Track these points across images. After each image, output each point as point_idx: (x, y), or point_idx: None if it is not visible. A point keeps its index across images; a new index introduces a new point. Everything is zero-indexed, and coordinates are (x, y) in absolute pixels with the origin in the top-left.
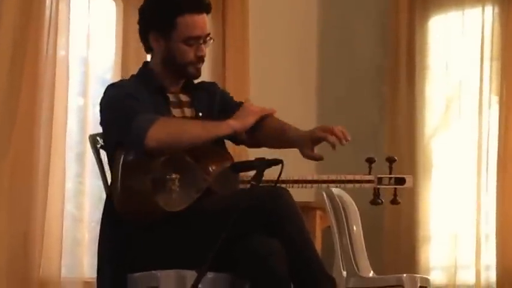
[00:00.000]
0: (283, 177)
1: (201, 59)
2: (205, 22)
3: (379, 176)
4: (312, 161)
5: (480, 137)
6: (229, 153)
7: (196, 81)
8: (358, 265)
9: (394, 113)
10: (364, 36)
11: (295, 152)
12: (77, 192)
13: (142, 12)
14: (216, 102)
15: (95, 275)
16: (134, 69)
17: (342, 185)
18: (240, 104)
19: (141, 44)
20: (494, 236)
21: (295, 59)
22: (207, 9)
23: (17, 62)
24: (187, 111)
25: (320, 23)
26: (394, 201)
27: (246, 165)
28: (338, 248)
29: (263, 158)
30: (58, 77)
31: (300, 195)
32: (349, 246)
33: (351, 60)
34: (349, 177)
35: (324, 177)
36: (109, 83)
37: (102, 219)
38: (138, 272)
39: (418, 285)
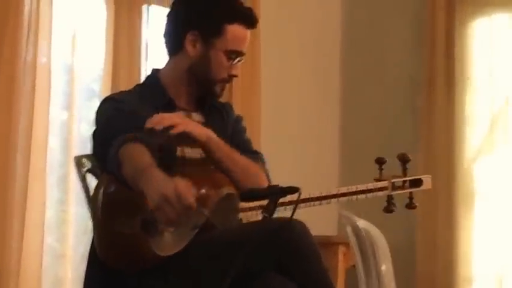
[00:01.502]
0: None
1: (231, 79)
2: (248, 40)
3: (394, 180)
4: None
5: None
6: (222, 174)
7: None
8: None
9: (430, 132)
10: (395, 40)
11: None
12: (59, 222)
13: (185, 6)
14: (228, 129)
15: None
16: (126, 79)
17: (356, 197)
18: (247, 143)
19: (134, 51)
20: None
21: (314, 67)
22: (253, 26)
23: None
24: None
25: (344, 24)
26: (410, 206)
27: (258, 194)
28: None
29: (277, 186)
30: (38, 87)
31: (320, 228)
32: None
33: (380, 68)
34: (361, 187)
35: (334, 191)
36: (96, 94)
37: (88, 258)
38: None
39: None
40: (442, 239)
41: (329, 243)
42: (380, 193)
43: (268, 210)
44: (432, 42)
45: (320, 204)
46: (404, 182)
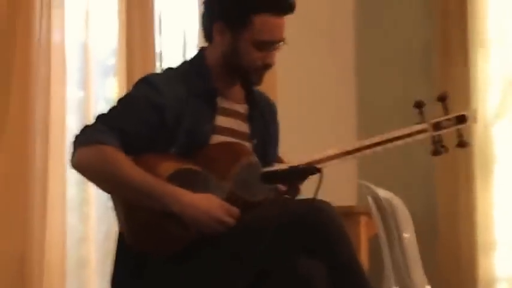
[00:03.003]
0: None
1: (268, 67)
2: (284, 26)
3: (434, 121)
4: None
5: None
6: (244, 144)
7: (256, 92)
8: (412, 279)
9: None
10: (409, 5)
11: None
12: (80, 202)
13: None
14: (271, 129)
15: None
16: (140, 54)
17: (394, 143)
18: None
19: (147, 24)
20: None
21: (328, 33)
22: (290, 10)
23: (4, 52)
24: (240, 125)
25: None
26: (462, 144)
27: (279, 176)
28: (388, 260)
29: (298, 167)
30: (54, 67)
31: (340, 198)
32: (402, 257)
33: (394, 34)
34: (397, 133)
35: (366, 142)
36: (112, 71)
37: (117, 245)
38: None
39: None
40: (462, 204)
41: (350, 213)
42: (420, 136)
43: (291, 191)
44: (445, 6)
45: (353, 157)
46: (448, 120)
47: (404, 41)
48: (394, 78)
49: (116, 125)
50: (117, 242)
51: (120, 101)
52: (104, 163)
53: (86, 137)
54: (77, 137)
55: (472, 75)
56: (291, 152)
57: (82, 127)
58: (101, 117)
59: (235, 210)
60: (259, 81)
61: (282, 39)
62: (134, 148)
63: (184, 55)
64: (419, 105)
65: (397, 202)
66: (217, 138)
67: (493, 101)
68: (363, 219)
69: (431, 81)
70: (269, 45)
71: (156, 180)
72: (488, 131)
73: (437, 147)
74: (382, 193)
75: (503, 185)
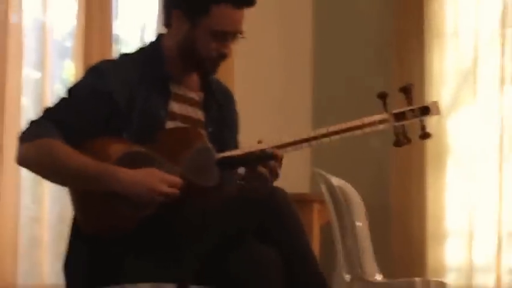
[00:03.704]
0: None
1: (223, 57)
2: (242, 18)
3: (396, 111)
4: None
5: (502, 117)
6: (199, 130)
7: (213, 80)
8: (364, 268)
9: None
10: None
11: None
12: (34, 183)
13: None
14: (228, 119)
15: (56, 280)
16: (98, 36)
17: (352, 133)
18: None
19: (107, 6)
20: None
21: (285, 21)
22: (250, 4)
23: None
24: (195, 112)
25: None
26: (424, 136)
27: (234, 161)
28: (340, 248)
29: (253, 152)
30: (10, 46)
31: (293, 185)
32: (354, 245)
33: (351, 26)
34: (356, 123)
35: (323, 131)
36: (69, 52)
37: (71, 231)
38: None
39: None
40: (414, 194)
41: (303, 201)
42: (381, 126)
43: (247, 178)
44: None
45: (310, 145)
46: (410, 111)
47: (361, 31)
48: (351, 69)
49: (60, 119)
50: (71, 225)
51: (67, 92)
52: (42, 156)
53: (28, 133)
54: (21, 134)
55: (427, 67)
56: (247, 140)
57: (28, 122)
58: (46, 112)
59: (177, 180)
60: (214, 70)
61: (239, 31)
62: (80, 137)
63: (142, 39)
64: (382, 96)
65: (351, 190)
66: (171, 125)
67: (448, 92)
68: (316, 207)
69: (388, 72)
70: (226, 36)
71: (93, 162)
72: (442, 123)
73: (400, 138)
74: (336, 181)
75: (456, 177)
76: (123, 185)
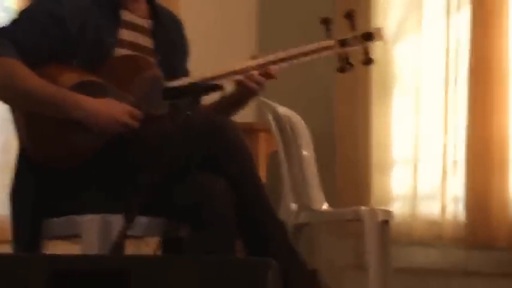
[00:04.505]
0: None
1: None
2: None
3: (341, 38)
4: None
5: (448, 46)
6: (148, 58)
7: (161, 8)
8: (310, 196)
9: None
10: None
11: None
12: None
13: None
14: (178, 45)
15: (3, 211)
16: None
17: (297, 60)
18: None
19: None
20: (464, 163)
21: None
22: None
23: None
24: (144, 40)
25: None
26: (367, 61)
27: (179, 92)
28: (287, 177)
29: (199, 83)
30: None
31: (239, 115)
32: (300, 174)
33: None
34: (303, 49)
35: (271, 57)
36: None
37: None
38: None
39: (380, 219)
40: (360, 123)
41: (250, 130)
42: (325, 52)
43: (192, 108)
44: None
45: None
46: (353, 37)
47: None
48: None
49: (16, 38)
50: (18, 154)
51: (20, 13)
52: (3, 75)
53: None
54: None
55: None
56: (192, 67)
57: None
58: (1, 31)
59: (138, 113)
60: None
61: None
62: (36, 60)
63: None
64: (326, 21)
65: (297, 120)
66: (120, 52)
67: (394, 20)
68: (263, 136)
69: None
70: None
71: (58, 88)
72: (388, 51)
73: (343, 64)
74: (282, 110)
75: (402, 105)
76: (87, 113)
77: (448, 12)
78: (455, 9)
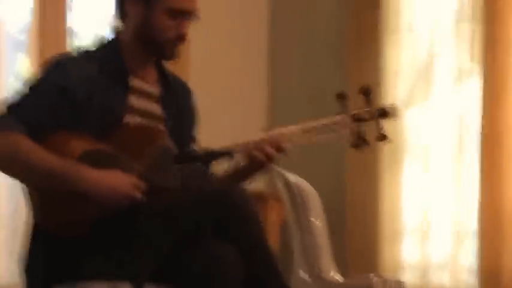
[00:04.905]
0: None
1: (182, 38)
2: None
3: (353, 113)
4: None
5: (459, 114)
6: (159, 128)
7: (170, 76)
8: (321, 265)
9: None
10: None
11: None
12: None
13: None
14: (187, 112)
15: (12, 279)
16: (52, 31)
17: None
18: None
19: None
20: (476, 233)
21: (241, 21)
22: None
23: None
24: (153, 107)
25: None
26: (381, 138)
27: (191, 158)
28: (297, 246)
29: (209, 150)
30: None
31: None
32: (311, 243)
33: (306, 22)
34: (316, 123)
35: (284, 131)
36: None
37: (31, 232)
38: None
39: None
40: (370, 193)
41: (260, 198)
42: (339, 127)
43: (204, 176)
44: None
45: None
46: (367, 113)
47: (317, 30)
48: (307, 69)
49: (23, 114)
50: (29, 223)
51: (28, 87)
52: (5, 149)
53: None
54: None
55: (382, 63)
56: (201, 140)
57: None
58: (8, 108)
59: (142, 184)
60: (173, 55)
61: (195, 10)
62: (43, 133)
63: (97, 32)
64: (341, 96)
65: (308, 188)
66: (129, 118)
67: (404, 89)
68: (273, 204)
69: (344, 71)
70: (182, 14)
71: (59, 160)
72: (398, 120)
73: (357, 141)
74: (293, 178)
75: (412, 174)
76: (89, 185)
77: (457, 79)
78: (465, 76)
